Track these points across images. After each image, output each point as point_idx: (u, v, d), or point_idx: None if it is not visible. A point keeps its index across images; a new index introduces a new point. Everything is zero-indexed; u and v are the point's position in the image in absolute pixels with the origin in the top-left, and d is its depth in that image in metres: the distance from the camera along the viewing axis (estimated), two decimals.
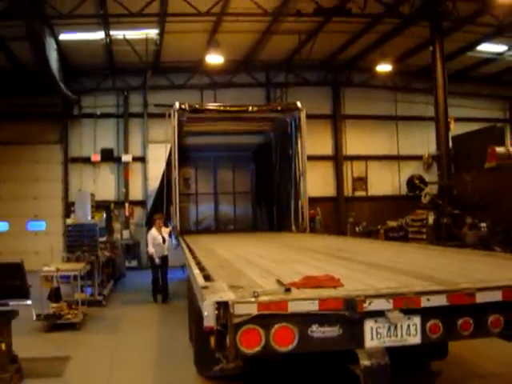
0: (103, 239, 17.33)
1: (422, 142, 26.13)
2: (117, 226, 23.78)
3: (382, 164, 27.77)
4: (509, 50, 24.61)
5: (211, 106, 18.66)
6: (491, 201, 19.23)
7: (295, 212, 17.84)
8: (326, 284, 4.73)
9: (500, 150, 21.53)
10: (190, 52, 23.11)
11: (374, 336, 4.42)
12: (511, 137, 29.68)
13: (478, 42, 23.49)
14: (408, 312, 4.45)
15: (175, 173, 16.28)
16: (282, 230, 18.63)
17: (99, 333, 11.60)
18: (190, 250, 9.71)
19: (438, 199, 20.14)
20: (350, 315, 4.32)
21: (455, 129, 26.34)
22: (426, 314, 4.50)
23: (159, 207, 18.01)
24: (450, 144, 27.14)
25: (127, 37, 21.30)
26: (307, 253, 8.86)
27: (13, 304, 7.74)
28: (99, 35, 20.86)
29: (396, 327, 4.45)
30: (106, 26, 19.97)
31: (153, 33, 21.24)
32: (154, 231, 15.73)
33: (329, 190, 26.82)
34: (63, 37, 20.65)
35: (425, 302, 4.44)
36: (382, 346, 4.43)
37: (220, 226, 22.81)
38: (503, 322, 4.66)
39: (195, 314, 7.01)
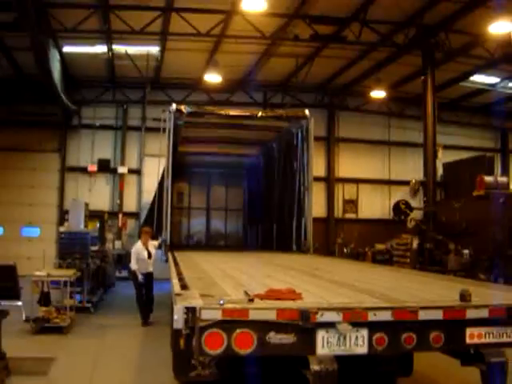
0: (95, 248, 17.55)
1: (414, 167, 26.47)
2: (109, 236, 24.13)
3: (373, 187, 28.34)
4: (501, 81, 25.21)
5: (211, 109, 17.84)
6: (478, 228, 19.62)
7: (297, 230, 16.61)
8: (286, 297, 5.24)
9: (488, 179, 21.98)
10: (190, 69, 23.74)
11: (325, 344, 4.89)
12: (501, 166, 30.31)
13: (471, 73, 24.07)
14: (356, 325, 4.91)
15: (168, 182, 15.27)
16: (281, 249, 17.13)
17: (85, 337, 11.99)
18: (176, 263, 10.05)
19: (423, 225, 20.62)
20: (304, 325, 4.79)
21: (447, 156, 27.00)
22: (373, 327, 4.97)
23: (151, 219, 17.55)
24: (441, 171, 27.80)
25: (129, 52, 21.95)
26: (284, 270, 9.34)
27: (4, 304, 8.22)
28: (102, 49, 21.46)
29: (345, 338, 4.91)
30: (108, 40, 20.59)
31: (154, 49, 21.84)
32: (138, 245, 14.22)
33: (319, 211, 27.20)
34: (67, 49, 21.27)
35: (371, 317, 4.92)
36: (331, 354, 4.91)
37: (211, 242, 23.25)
38: (444, 339, 5.15)
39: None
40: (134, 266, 13.94)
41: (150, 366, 9.64)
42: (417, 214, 22.41)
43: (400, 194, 27.26)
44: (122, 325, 13.73)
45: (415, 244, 20.24)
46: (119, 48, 21.53)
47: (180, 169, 19.33)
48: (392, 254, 22.31)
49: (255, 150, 21.17)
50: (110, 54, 21.84)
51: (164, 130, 15.71)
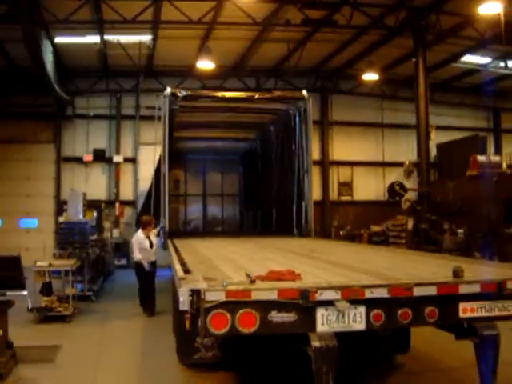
0: (93, 237, 17.71)
1: (407, 149, 26.60)
2: (107, 225, 24.28)
3: (368, 170, 28.56)
4: (492, 61, 25.35)
5: (206, 92, 17.43)
6: (472, 208, 19.88)
7: (297, 214, 16.32)
8: (286, 277, 5.46)
9: (481, 158, 22.21)
10: (183, 57, 23.78)
11: (325, 322, 5.12)
12: (494, 146, 30.55)
13: (462, 54, 24.19)
14: (354, 302, 5.13)
15: (165, 167, 14.95)
16: (282, 233, 16.78)
17: (88, 325, 12.21)
18: (176, 250, 10.22)
19: (417, 205, 20.86)
20: (304, 303, 5.02)
21: (440, 137, 27.23)
22: (370, 304, 5.20)
23: (148, 207, 17.47)
24: (435, 152, 28.05)
25: (121, 41, 21.90)
26: (282, 253, 9.57)
27: (10, 294, 8.42)
28: (94, 39, 21.41)
29: (344, 315, 5.14)
30: (100, 30, 20.58)
31: (146, 38, 21.80)
32: (140, 234, 13.74)
33: (315, 194, 27.14)
34: (59, 39, 21.21)
35: (368, 294, 5.15)
36: (331, 331, 5.14)
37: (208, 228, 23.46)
38: (438, 314, 5.39)
39: (176, 308, 7.70)
40: (137, 256, 13.54)
41: (153, 351, 9.85)
42: (411, 195, 22.63)
43: (394, 175, 27.46)
44: (123, 312, 13.91)
45: (410, 225, 20.52)
46: (111, 37, 21.52)
47: (176, 156, 19.03)
48: (388, 235, 22.59)
49: (252, 134, 21.06)
50: (103, 43, 21.82)
51: (159, 116, 15.50)
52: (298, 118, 16.35)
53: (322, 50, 23.89)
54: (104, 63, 24.64)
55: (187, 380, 8.33)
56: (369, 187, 28.25)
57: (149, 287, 13.57)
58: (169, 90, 14.81)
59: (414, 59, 21.30)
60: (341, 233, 24.85)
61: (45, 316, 12.29)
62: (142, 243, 13.52)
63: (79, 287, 15.10)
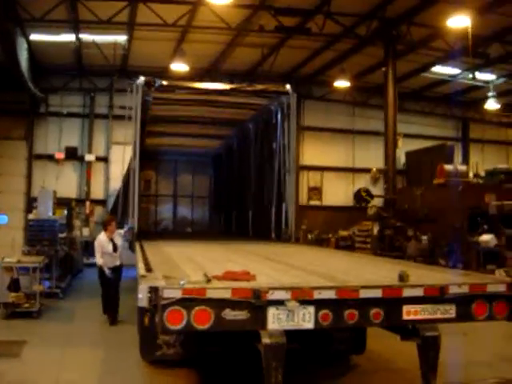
0: (63, 235, 17.74)
1: (377, 155, 26.89)
2: (77, 223, 24.24)
3: (338, 175, 29.00)
4: (462, 72, 25.93)
5: (183, 83, 15.94)
6: (438, 215, 20.32)
7: (276, 217, 15.19)
8: (241, 277, 5.75)
9: (448, 167, 22.74)
10: (157, 58, 23.94)
11: (275, 320, 5.37)
12: (462, 155, 31.20)
13: (433, 64, 24.83)
14: (304, 302, 5.40)
15: (135, 162, 13.66)
16: (259, 237, 16.00)
17: (55, 322, 12.38)
18: (142, 250, 10.16)
19: (383, 212, 21.29)
20: (256, 302, 5.29)
21: (410, 145, 27.87)
22: (319, 304, 5.47)
23: (118, 206, 17.14)
24: (404, 159, 28.57)
25: (96, 41, 22.04)
26: (245, 255, 9.84)
27: None
28: (69, 37, 21.55)
29: (293, 314, 5.39)
30: (76, 29, 20.72)
31: (121, 38, 21.98)
32: (102, 236, 12.51)
33: None
34: (34, 37, 21.32)
35: (317, 295, 5.43)
36: (281, 329, 5.40)
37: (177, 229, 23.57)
38: (383, 315, 5.70)
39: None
40: (99, 260, 12.33)
41: (118, 346, 10.13)
42: (378, 202, 23.07)
43: (364, 181, 27.96)
44: (90, 309, 13.94)
45: (376, 230, 20.93)
46: (87, 37, 21.65)
47: (147, 156, 19.06)
48: (354, 240, 22.97)
49: (229, 131, 20.25)
50: (78, 42, 21.94)
51: (130, 116, 14.16)
52: (280, 115, 15.28)
53: (295, 56, 24.24)
54: (79, 62, 24.73)
55: (149, 376, 8.58)
56: (338, 192, 28.65)
57: (111, 295, 12.39)
58: (142, 78, 13.50)
59: (383, 68, 21.74)
60: (309, 236, 25.16)
61: (12, 312, 12.39)
62: (105, 247, 12.32)
63: (47, 284, 15.13)
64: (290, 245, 13.42)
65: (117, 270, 12.46)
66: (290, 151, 14.74)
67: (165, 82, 14.10)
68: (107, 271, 12.22)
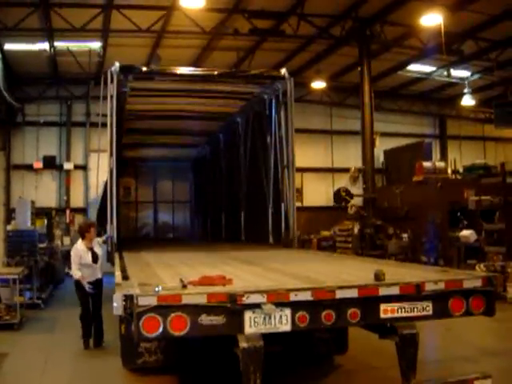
0: (43, 245, 17.72)
1: (356, 155, 26.60)
2: (58, 232, 24.17)
3: (317, 176, 29.05)
4: (437, 70, 26.12)
5: (164, 69, 14.10)
6: (418, 213, 20.49)
7: (274, 218, 13.92)
8: (217, 282, 5.75)
9: (427, 164, 22.93)
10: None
11: (252, 324, 5.38)
12: (440, 151, 31.44)
13: (408, 63, 24.90)
14: (280, 305, 5.42)
15: (112, 161, 11.74)
16: (253, 241, 14.87)
17: (36, 333, 12.27)
18: (121, 258, 9.98)
19: (363, 211, 21.39)
20: (232, 307, 5.29)
21: (388, 143, 28.02)
22: (295, 306, 5.48)
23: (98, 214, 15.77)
24: (382, 158, 28.71)
25: (71, 48, 21.86)
26: (224, 259, 9.79)
27: None
28: (44, 46, 21.30)
29: (270, 317, 5.41)
30: (50, 38, 20.53)
31: (96, 45, 21.81)
32: (79, 245, 10.83)
33: None
34: (8, 46, 21.14)
35: (293, 297, 5.45)
36: (258, 333, 5.41)
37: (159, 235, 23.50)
38: (360, 315, 5.73)
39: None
40: (76, 273, 10.60)
41: (100, 356, 10.07)
42: (358, 201, 23.16)
43: (343, 181, 27.99)
44: (71, 320, 13.76)
45: (356, 230, 21.02)
46: (61, 45, 21.48)
47: (126, 162, 18.98)
48: (335, 240, 23.04)
49: (214, 127, 18.71)
50: (52, 50, 21.74)
51: (104, 123, 12.19)
52: (274, 104, 13.84)
53: (271, 59, 24.17)
54: (54, 70, 24.54)
55: None
56: (318, 193, 28.70)
57: (94, 315, 10.82)
58: (117, 64, 11.59)
59: (359, 68, 21.85)
60: None
61: None
62: (83, 257, 10.66)
63: (28, 295, 15.06)
64: (294, 251, 12.41)
65: (98, 285, 10.81)
66: (288, 144, 13.45)
67: (144, 68, 12.75)
68: (87, 286, 10.51)
